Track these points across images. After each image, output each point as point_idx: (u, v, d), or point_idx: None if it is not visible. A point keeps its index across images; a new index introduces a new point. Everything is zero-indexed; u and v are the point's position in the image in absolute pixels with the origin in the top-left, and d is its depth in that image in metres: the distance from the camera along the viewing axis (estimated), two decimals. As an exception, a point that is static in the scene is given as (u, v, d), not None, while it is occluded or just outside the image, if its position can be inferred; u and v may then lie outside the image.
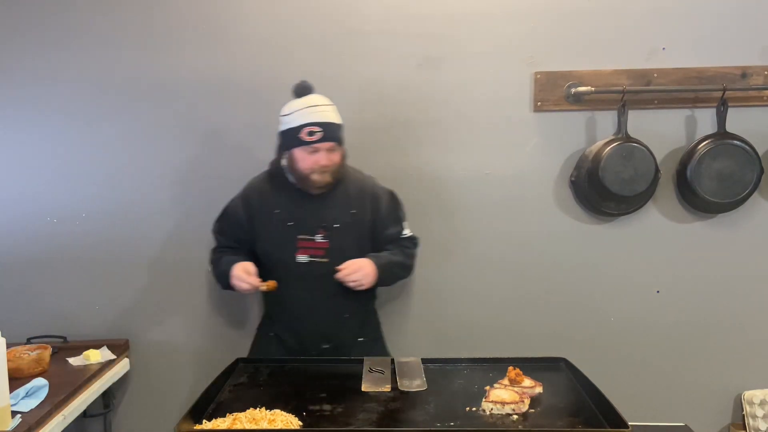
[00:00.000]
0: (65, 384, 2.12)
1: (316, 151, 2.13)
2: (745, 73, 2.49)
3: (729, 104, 2.45)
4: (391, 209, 2.32)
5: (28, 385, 2.00)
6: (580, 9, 2.49)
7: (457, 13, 2.50)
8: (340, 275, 2.12)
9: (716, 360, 2.62)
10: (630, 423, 1.52)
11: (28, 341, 2.46)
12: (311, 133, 2.12)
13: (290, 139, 2.15)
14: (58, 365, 2.31)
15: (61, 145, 2.56)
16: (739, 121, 2.48)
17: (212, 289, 2.61)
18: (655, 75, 2.49)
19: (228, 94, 2.54)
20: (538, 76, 2.51)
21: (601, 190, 2.45)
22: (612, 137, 2.48)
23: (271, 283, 2.17)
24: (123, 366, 2.50)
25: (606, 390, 1.70)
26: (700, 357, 2.62)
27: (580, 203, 2.58)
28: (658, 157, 2.48)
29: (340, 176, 2.21)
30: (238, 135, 2.56)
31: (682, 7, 2.48)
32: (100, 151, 2.56)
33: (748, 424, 2.57)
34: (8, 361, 1.92)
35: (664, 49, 2.50)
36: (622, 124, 2.47)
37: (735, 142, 2.44)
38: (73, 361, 2.35)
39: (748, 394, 2.59)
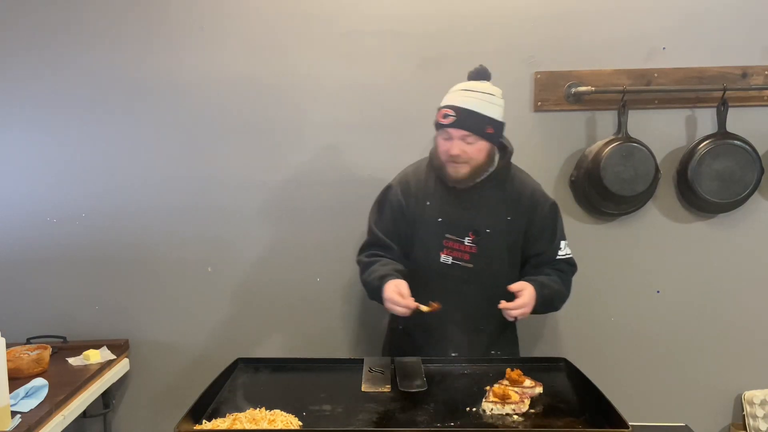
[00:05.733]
0: (65, 384, 2.12)
1: (450, 138, 1.95)
2: (745, 73, 2.49)
3: (729, 104, 2.45)
4: (548, 222, 2.08)
5: (28, 385, 2.00)
6: (580, 9, 2.49)
7: (457, 13, 2.50)
8: (504, 306, 1.91)
9: (716, 360, 2.62)
10: (630, 423, 1.52)
11: (28, 341, 2.46)
12: (445, 116, 1.94)
13: (436, 121, 2.00)
14: (57, 365, 2.31)
15: (61, 145, 2.56)
16: (739, 121, 2.48)
17: (212, 289, 2.61)
18: (656, 75, 2.49)
19: (228, 94, 2.54)
20: (538, 76, 2.51)
21: (601, 190, 2.45)
22: (612, 137, 2.48)
23: (435, 305, 1.92)
24: (123, 366, 2.50)
25: (606, 390, 1.70)
26: (700, 357, 2.62)
27: (580, 203, 2.57)
28: (658, 157, 2.48)
29: (482, 174, 2.00)
30: (238, 135, 2.56)
31: (682, 7, 2.49)
32: (100, 151, 2.56)
33: (749, 424, 2.56)
34: (8, 361, 1.92)
35: (664, 49, 2.50)
36: (622, 124, 2.47)
37: (735, 142, 2.44)
38: (73, 361, 2.35)
39: (748, 394, 2.59)
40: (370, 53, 2.52)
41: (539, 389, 1.79)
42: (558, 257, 2.09)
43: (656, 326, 2.61)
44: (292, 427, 1.61)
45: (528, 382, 1.80)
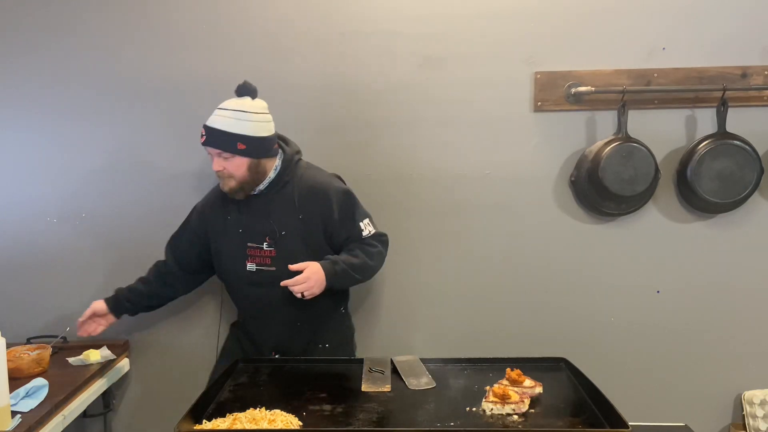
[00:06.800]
0: (65, 384, 2.12)
1: (211, 155, 2.10)
2: (745, 73, 2.49)
3: (729, 104, 2.45)
4: (344, 210, 2.16)
5: (28, 385, 2.00)
6: (580, 9, 2.49)
7: (458, 13, 2.50)
8: (285, 283, 2.01)
9: (716, 360, 2.62)
10: (630, 423, 1.52)
11: (28, 341, 2.46)
12: (201, 135, 2.10)
13: None
14: (58, 365, 2.30)
15: (61, 145, 2.56)
16: (739, 121, 2.48)
17: (212, 289, 2.61)
18: (655, 75, 2.49)
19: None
20: (538, 76, 2.51)
21: (601, 190, 2.45)
22: (612, 137, 2.48)
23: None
24: (123, 366, 2.50)
25: (606, 390, 1.70)
26: (700, 357, 2.62)
27: (580, 203, 2.58)
28: (658, 157, 2.48)
29: (256, 184, 2.12)
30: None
31: (682, 7, 2.48)
32: (100, 151, 2.56)
33: (748, 424, 2.56)
34: (8, 361, 1.92)
35: (664, 49, 2.51)
36: (622, 124, 2.47)
37: (735, 142, 2.44)
38: (73, 361, 2.35)
39: (748, 394, 2.59)
40: (370, 53, 2.52)
41: (539, 389, 1.80)
42: (363, 236, 2.17)
43: (656, 326, 2.61)
44: (292, 427, 1.61)
45: (528, 382, 1.80)
